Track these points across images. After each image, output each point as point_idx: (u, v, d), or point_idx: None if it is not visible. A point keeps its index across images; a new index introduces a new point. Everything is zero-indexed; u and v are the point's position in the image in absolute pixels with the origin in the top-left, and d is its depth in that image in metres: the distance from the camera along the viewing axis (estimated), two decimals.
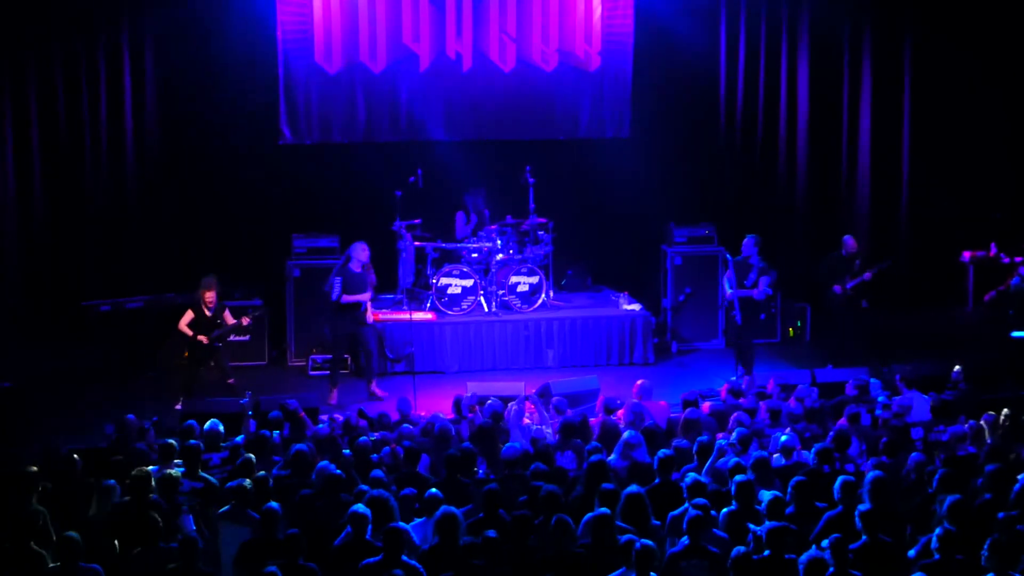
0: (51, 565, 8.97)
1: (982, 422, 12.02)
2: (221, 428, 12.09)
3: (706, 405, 13.45)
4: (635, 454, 11.26)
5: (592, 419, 12.96)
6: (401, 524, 9.42)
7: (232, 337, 15.84)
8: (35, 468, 10.56)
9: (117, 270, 17.71)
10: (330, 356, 16.27)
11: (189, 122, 17.84)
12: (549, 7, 18.50)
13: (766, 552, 8.92)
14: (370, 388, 15.79)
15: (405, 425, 12.68)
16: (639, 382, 13.72)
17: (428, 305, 17.29)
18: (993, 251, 18.24)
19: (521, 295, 17.44)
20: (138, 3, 17.39)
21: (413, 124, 18.39)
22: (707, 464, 11.02)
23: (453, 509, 9.27)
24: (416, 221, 17.56)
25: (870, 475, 9.96)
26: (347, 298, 15.44)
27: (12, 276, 17.38)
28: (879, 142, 19.29)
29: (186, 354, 15.17)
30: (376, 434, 12.38)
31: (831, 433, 11.73)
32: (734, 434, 11.72)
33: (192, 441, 11.34)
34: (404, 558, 8.83)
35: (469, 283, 17.32)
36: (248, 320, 15.56)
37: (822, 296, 16.91)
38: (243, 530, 9.68)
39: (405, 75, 18.28)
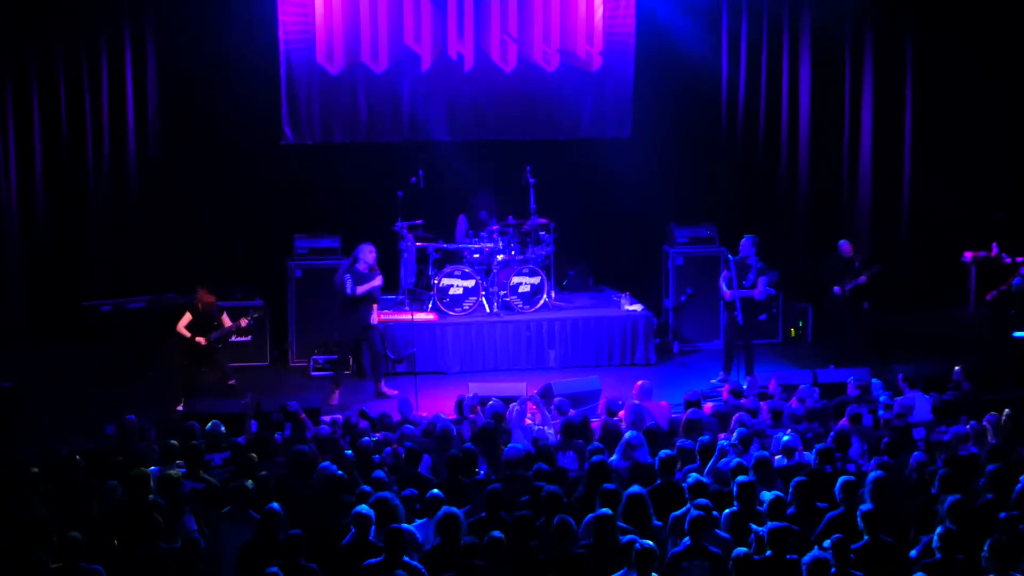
0: (53, 566, 8.97)
1: (984, 422, 12.02)
2: (223, 429, 12.10)
3: (708, 405, 13.46)
4: (637, 455, 11.27)
5: (594, 420, 12.96)
6: (403, 525, 9.43)
7: (233, 338, 15.85)
8: (36, 469, 10.57)
9: (118, 270, 17.71)
10: (334, 357, 16.28)
11: (191, 122, 17.84)
12: (550, 7, 18.50)
13: (768, 552, 8.92)
14: (379, 387, 15.81)
15: (407, 426, 12.69)
16: (639, 383, 13.72)
17: (430, 306, 17.29)
18: (995, 251, 18.24)
19: (523, 295, 17.44)
20: (140, 3, 17.38)
21: (415, 124, 18.39)
22: (709, 464, 11.03)
23: (455, 510, 9.27)
24: (418, 222, 17.56)
25: (872, 475, 9.97)
26: (361, 289, 15.45)
27: (13, 276, 17.38)
28: (880, 142, 19.27)
29: (186, 355, 15.16)
30: (378, 435, 12.38)
31: (832, 433, 11.74)
32: (735, 434, 11.73)
33: (194, 442, 11.35)
34: (406, 559, 8.83)
35: (471, 284, 17.32)
36: (247, 321, 15.56)
37: (823, 296, 16.94)
38: (244, 530, 9.68)
39: (407, 75, 18.27)
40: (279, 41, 17.76)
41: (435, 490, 10.09)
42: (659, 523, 9.65)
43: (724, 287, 15.87)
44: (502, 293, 17.43)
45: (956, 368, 14.13)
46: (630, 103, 18.76)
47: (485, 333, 17.20)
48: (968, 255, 18.60)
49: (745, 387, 14.45)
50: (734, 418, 12.55)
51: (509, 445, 11.53)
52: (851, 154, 19.39)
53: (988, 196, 19.26)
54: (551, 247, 17.77)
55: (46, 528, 9.38)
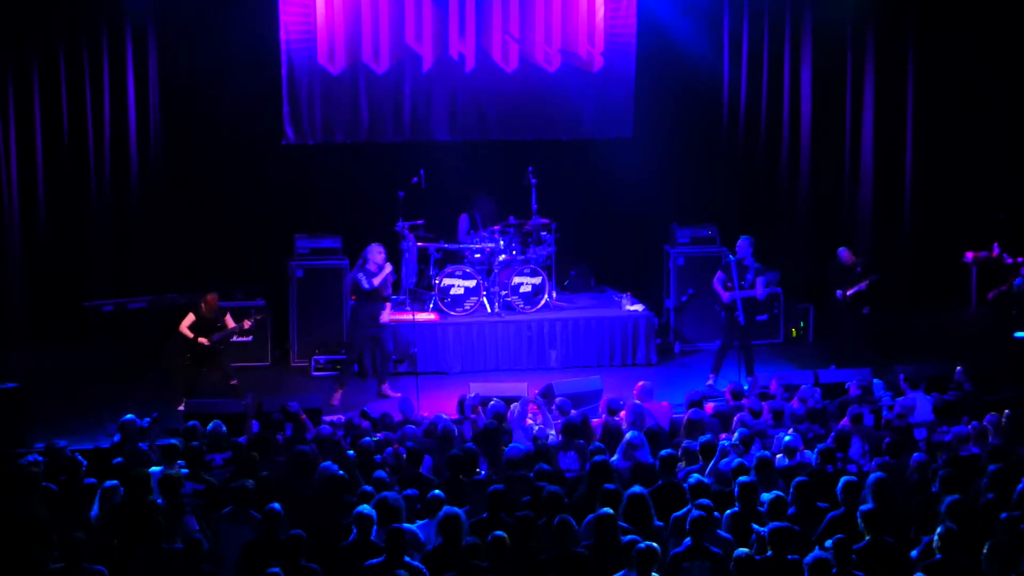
0: (56, 566, 8.97)
1: (985, 423, 12.02)
2: (224, 429, 12.10)
3: (709, 406, 13.46)
4: (638, 455, 11.27)
5: (595, 420, 12.96)
6: (405, 525, 9.43)
7: (234, 338, 15.86)
8: (37, 469, 10.57)
9: (120, 270, 17.71)
10: (341, 356, 16.33)
11: (192, 122, 17.83)
12: (552, 7, 18.49)
13: (769, 553, 8.92)
14: (381, 388, 15.82)
15: (408, 426, 12.69)
16: (640, 383, 13.71)
17: (431, 306, 17.29)
18: (996, 252, 18.23)
19: (524, 296, 17.44)
20: (141, 4, 17.37)
21: (416, 124, 18.38)
22: (710, 465, 11.03)
23: (457, 510, 9.27)
24: (419, 222, 17.56)
25: (873, 475, 9.98)
26: (377, 280, 15.50)
27: (15, 276, 17.37)
28: (881, 141, 19.26)
29: (188, 356, 15.18)
30: (379, 435, 12.39)
31: (832, 433, 11.75)
32: (736, 435, 11.73)
33: (195, 442, 11.35)
34: (407, 559, 8.83)
35: (472, 284, 17.32)
36: (249, 323, 15.58)
37: (829, 296, 16.99)
38: (245, 531, 9.68)
39: (408, 76, 18.26)
40: (280, 41, 17.76)
41: (436, 490, 10.10)
42: (660, 523, 9.65)
43: (721, 288, 15.86)
44: (503, 293, 17.43)
45: (958, 368, 14.13)
46: (631, 103, 18.76)
47: (486, 333, 17.20)
48: (969, 255, 18.60)
49: (746, 388, 14.45)
50: (735, 418, 12.56)
51: (510, 445, 11.54)
52: (852, 154, 19.38)
53: (989, 197, 19.24)
54: (552, 247, 17.77)
55: (46, 528, 9.39)
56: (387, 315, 15.86)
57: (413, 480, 10.79)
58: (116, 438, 12.25)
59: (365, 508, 9.32)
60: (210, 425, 12.07)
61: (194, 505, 10.21)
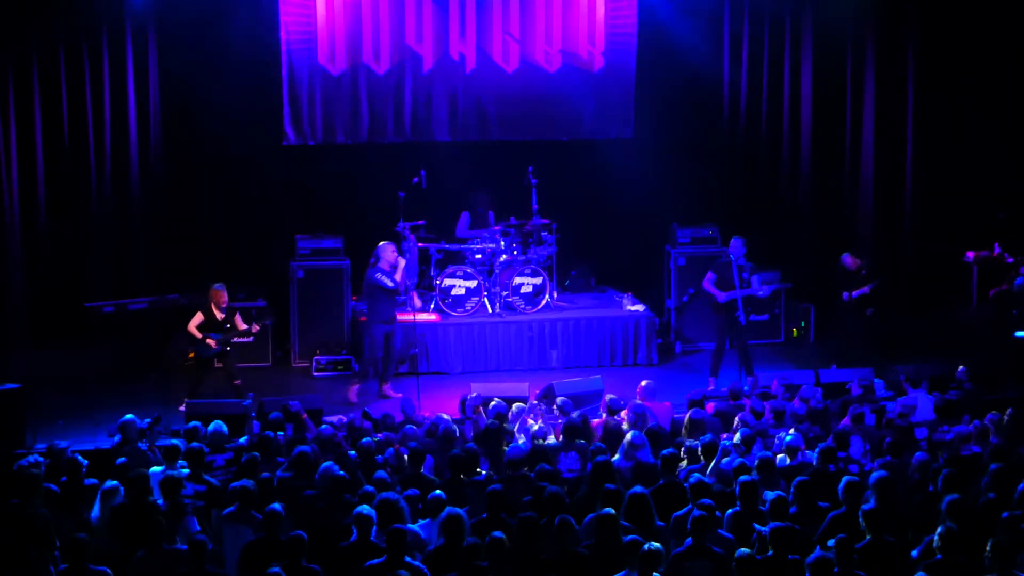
0: (61, 567, 8.97)
1: (986, 422, 12.02)
2: (225, 429, 12.10)
3: (710, 405, 13.46)
4: (639, 455, 11.27)
5: (595, 420, 12.96)
6: (408, 525, 9.43)
7: (235, 338, 15.85)
8: (38, 470, 10.57)
9: (120, 271, 17.69)
10: (344, 357, 16.53)
11: (192, 123, 17.80)
12: (552, 7, 18.47)
13: (770, 552, 8.91)
14: (383, 389, 15.83)
15: (409, 426, 12.69)
16: (643, 383, 13.71)
17: (432, 306, 17.29)
18: (996, 251, 18.23)
19: (525, 296, 17.44)
20: (142, 4, 17.36)
21: (416, 125, 18.36)
22: (712, 464, 11.03)
23: (458, 510, 9.27)
24: (420, 222, 17.56)
25: (875, 475, 9.98)
26: (398, 276, 15.64)
27: (15, 277, 17.35)
28: (882, 142, 19.23)
29: (191, 355, 15.17)
30: (380, 435, 12.39)
31: (832, 433, 11.75)
32: (737, 435, 11.73)
33: (196, 443, 11.35)
34: (408, 559, 8.83)
35: (473, 284, 17.32)
36: (257, 328, 15.62)
37: (834, 299, 17.03)
38: (246, 531, 9.68)
39: (409, 76, 18.24)
40: (281, 42, 17.74)
41: (438, 491, 10.09)
42: (662, 523, 9.65)
43: (713, 288, 15.83)
44: (504, 294, 17.43)
45: (959, 368, 14.13)
46: (632, 103, 18.74)
47: (487, 333, 17.20)
48: (970, 255, 18.59)
49: (747, 388, 14.45)
50: (736, 418, 12.56)
51: (511, 445, 11.54)
52: (852, 153, 19.35)
53: (990, 196, 19.22)
54: (553, 247, 17.77)
55: (47, 529, 9.39)
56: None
57: (414, 480, 10.79)
58: (116, 438, 12.25)
59: (364, 508, 9.32)
60: (211, 425, 12.07)
61: (195, 506, 10.20)
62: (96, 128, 17.45)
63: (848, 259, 16.91)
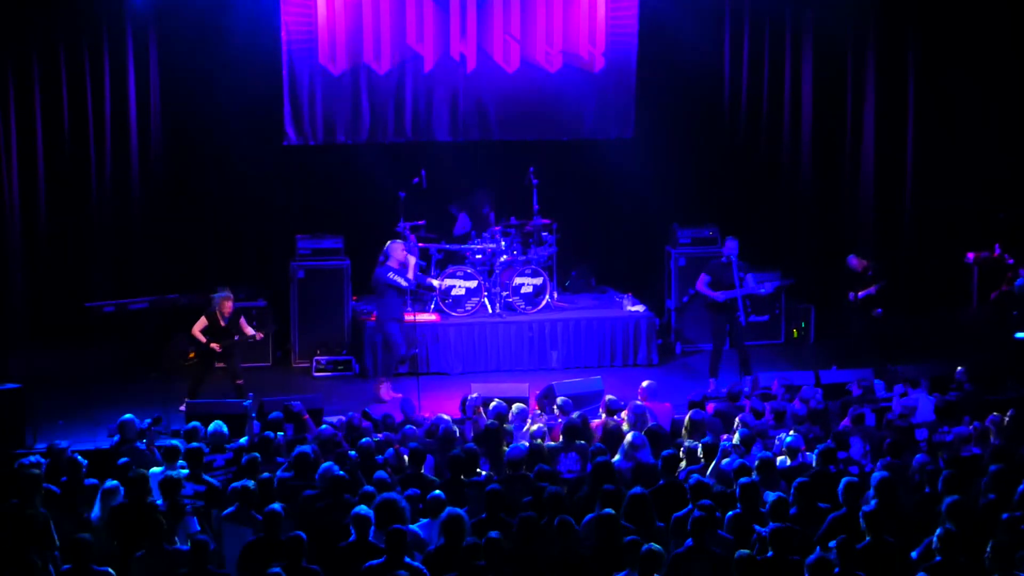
0: (63, 567, 8.97)
1: (987, 423, 12.01)
2: (225, 430, 12.10)
3: (711, 406, 13.46)
4: (639, 455, 11.26)
5: (595, 420, 12.95)
6: (409, 526, 9.43)
7: (235, 338, 15.84)
8: (38, 470, 10.57)
9: (121, 271, 17.69)
10: (346, 357, 16.62)
11: (193, 123, 17.81)
12: (553, 8, 18.46)
13: (770, 553, 8.91)
14: (379, 389, 15.83)
15: (409, 426, 12.69)
16: (644, 383, 13.71)
17: (432, 306, 17.29)
18: (997, 252, 18.22)
19: (525, 296, 17.44)
20: (143, 4, 17.36)
21: (417, 125, 18.35)
22: (712, 465, 11.03)
23: (458, 510, 9.27)
24: (420, 222, 17.56)
25: (876, 476, 9.97)
26: (411, 274, 15.72)
27: (15, 277, 17.36)
28: (883, 142, 19.24)
29: (192, 355, 15.17)
30: (380, 435, 12.39)
31: (832, 434, 11.75)
32: (736, 435, 11.73)
33: (196, 443, 11.35)
34: (407, 560, 8.83)
35: (473, 284, 17.32)
36: (261, 335, 15.64)
37: (840, 299, 17.04)
38: (246, 532, 9.68)
39: (409, 76, 18.22)
40: (281, 41, 17.73)
41: (438, 491, 10.09)
42: (662, 524, 9.65)
43: (708, 289, 15.82)
44: (504, 294, 17.42)
45: (959, 369, 14.12)
46: (633, 103, 18.72)
47: (488, 334, 17.21)
48: (971, 256, 18.57)
49: (747, 388, 14.45)
50: (737, 419, 12.55)
51: (512, 445, 11.53)
52: (853, 154, 19.35)
53: (991, 196, 19.22)
54: (554, 248, 17.77)
55: (47, 529, 9.39)
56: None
57: (414, 480, 10.79)
58: (115, 438, 12.25)
59: (363, 509, 9.32)
60: (211, 425, 12.06)
61: (194, 506, 10.20)
62: (96, 128, 17.45)
63: (854, 260, 16.92)
